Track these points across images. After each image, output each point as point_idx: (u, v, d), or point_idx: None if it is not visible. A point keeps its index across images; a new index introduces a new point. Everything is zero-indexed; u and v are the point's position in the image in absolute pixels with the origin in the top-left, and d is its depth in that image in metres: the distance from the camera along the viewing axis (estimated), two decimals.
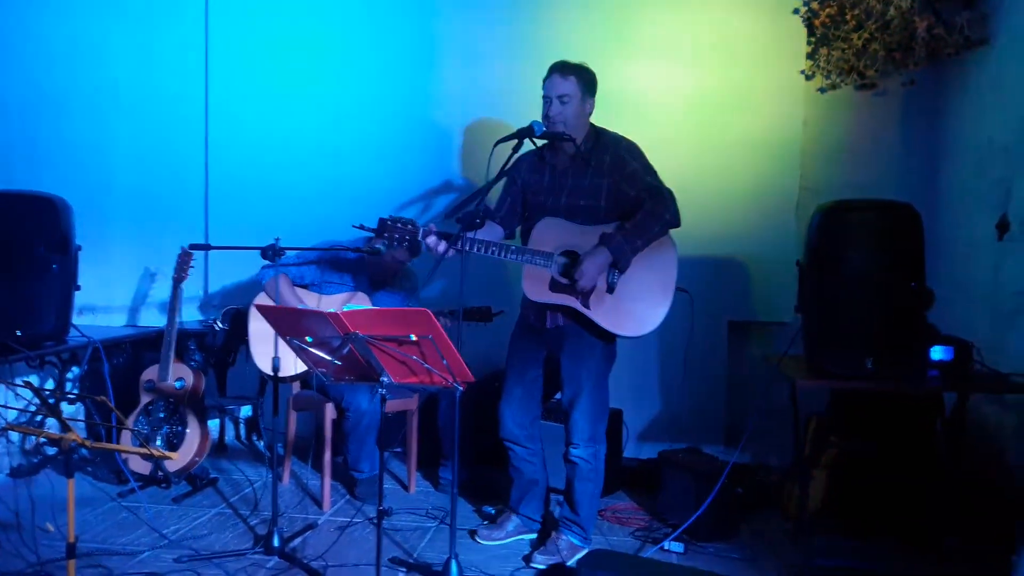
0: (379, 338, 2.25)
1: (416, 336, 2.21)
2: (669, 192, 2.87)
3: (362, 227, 2.98)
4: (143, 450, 2.12)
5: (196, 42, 4.50)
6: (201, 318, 4.54)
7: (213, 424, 4.22)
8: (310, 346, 2.36)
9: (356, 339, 2.26)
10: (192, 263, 3.76)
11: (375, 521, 3.31)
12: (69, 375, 3.91)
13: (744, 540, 3.18)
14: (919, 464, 3.19)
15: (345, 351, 2.32)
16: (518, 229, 3.12)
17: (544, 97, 2.92)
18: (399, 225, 2.81)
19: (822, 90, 4.05)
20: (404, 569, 2.90)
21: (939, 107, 3.93)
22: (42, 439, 3.34)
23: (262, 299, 3.63)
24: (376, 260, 3.54)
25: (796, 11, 4.02)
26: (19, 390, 3.68)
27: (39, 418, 3.84)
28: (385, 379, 2.37)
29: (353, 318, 2.22)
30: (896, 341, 2.81)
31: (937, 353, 2.92)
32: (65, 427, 2.01)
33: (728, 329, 4.11)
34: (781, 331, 4.07)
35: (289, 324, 2.37)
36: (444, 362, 2.26)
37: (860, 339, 2.79)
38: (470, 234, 2.76)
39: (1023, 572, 2.34)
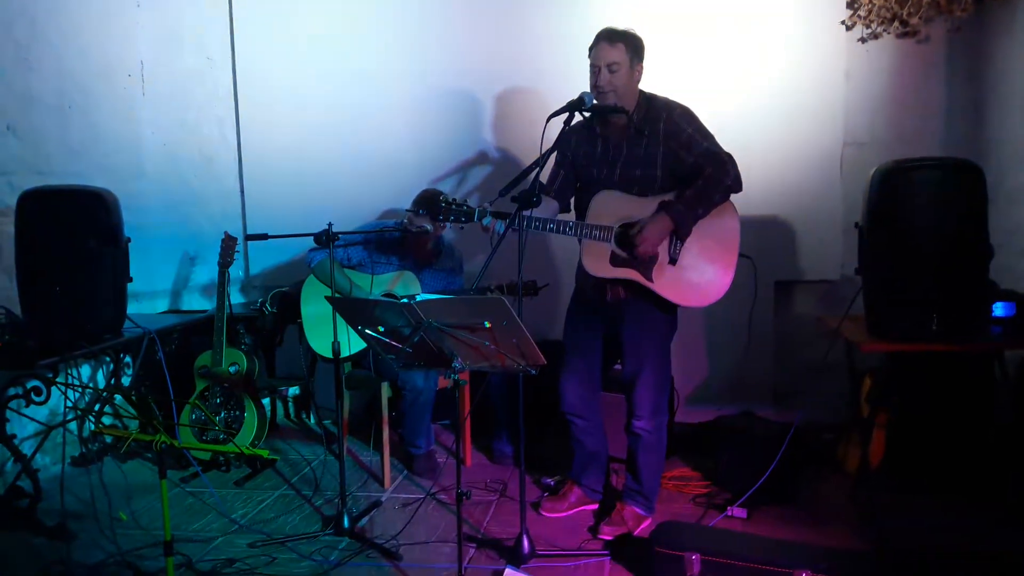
0: (453, 325, 2.25)
1: (490, 323, 2.20)
2: (729, 156, 2.80)
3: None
4: (238, 449, 2.14)
5: (220, 18, 4.43)
6: (244, 300, 4.56)
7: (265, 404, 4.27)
8: (382, 335, 2.36)
9: (430, 327, 2.26)
10: (237, 247, 3.76)
11: (439, 498, 3.39)
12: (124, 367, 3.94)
13: (804, 502, 3.20)
14: (978, 418, 3.20)
15: (416, 339, 2.33)
16: (571, 201, 3.09)
17: (592, 66, 2.85)
18: (454, 207, 2.78)
19: (863, 40, 3.96)
20: (474, 545, 2.95)
21: (984, 53, 3.83)
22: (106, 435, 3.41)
23: (313, 282, 3.64)
24: (419, 238, 3.53)
25: None
26: (72, 382, 3.71)
27: (96, 407, 3.91)
28: (457, 364, 2.37)
29: (427, 307, 2.22)
30: (960, 299, 2.80)
31: (999, 309, 2.91)
32: (155, 428, 2.03)
33: (774, 288, 4.09)
34: (827, 289, 4.07)
35: (361, 314, 2.37)
36: (518, 348, 2.25)
37: (925, 299, 2.77)
38: (526, 212, 2.71)
39: None
